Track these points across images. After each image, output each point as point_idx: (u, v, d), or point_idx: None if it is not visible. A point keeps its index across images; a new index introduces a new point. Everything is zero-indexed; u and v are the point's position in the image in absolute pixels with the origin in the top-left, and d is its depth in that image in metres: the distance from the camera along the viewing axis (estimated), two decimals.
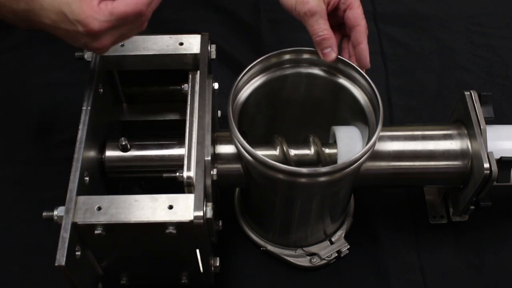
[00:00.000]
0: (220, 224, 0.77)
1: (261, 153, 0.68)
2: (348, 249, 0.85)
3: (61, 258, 0.60)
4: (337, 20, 0.77)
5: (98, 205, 0.65)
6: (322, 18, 0.73)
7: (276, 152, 0.75)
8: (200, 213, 0.64)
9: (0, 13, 0.64)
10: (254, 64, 0.76)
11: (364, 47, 0.75)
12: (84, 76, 0.75)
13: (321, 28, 0.73)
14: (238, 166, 0.75)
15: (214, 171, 0.72)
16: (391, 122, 1.01)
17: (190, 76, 0.77)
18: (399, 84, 1.06)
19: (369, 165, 0.77)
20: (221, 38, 1.08)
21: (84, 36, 0.62)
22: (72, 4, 0.60)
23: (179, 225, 0.64)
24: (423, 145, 0.78)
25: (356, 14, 0.75)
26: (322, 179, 0.68)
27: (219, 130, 0.79)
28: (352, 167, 0.69)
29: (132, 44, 0.77)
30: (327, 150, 0.77)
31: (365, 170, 0.77)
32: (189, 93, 0.75)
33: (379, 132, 0.70)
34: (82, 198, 0.65)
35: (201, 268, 0.74)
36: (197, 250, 0.71)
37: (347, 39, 0.78)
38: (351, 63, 0.75)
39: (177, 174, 0.69)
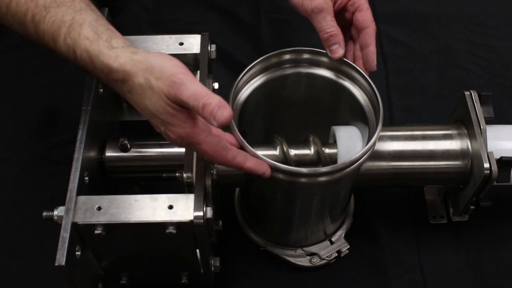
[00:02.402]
0: (220, 224, 0.77)
1: (261, 153, 0.68)
2: (348, 249, 0.85)
3: (61, 258, 0.60)
4: (344, 21, 0.77)
5: (98, 205, 0.65)
6: (329, 15, 0.73)
7: (276, 152, 0.75)
8: (200, 213, 0.64)
9: (95, 74, 0.63)
10: (254, 64, 0.76)
11: (372, 50, 0.75)
12: (84, 76, 0.75)
13: (329, 24, 0.73)
14: None
15: (214, 171, 0.72)
16: (391, 122, 1.01)
17: None
18: (399, 84, 1.06)
19: (369, 165, 0.77)
20: (221, 38, 1.08)
21: (162, 132, 0.62)
22: (163, 114, 0.59)
23: (179, 225, 0.64)
24: (423, 145, 0.78)
25: (365, 16, 0.75)
26: (322, 179, 0.69)
27: None
28: (352, 167, 0.69)
29: (132, 44, 0.77)
30: (327, 150, 0.76)
31: (365, 170, 0.77)
32: None
33: (379, 132, 0.70)
34: (82, 198, 0.65)
35: (201, 268, 0.74)
36: (197, 250, 0.71)
37: (352, 42, 0.78)
38: (351, 63, 0.75)
39: (177, 174, 0.69)
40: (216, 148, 0.62)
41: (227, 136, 0.69)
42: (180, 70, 0.59)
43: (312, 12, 0.73)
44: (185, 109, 0.59)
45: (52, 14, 0.63)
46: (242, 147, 0.69)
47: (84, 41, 0.61)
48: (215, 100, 0.56)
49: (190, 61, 0.78)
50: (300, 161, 0.76)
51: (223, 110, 0.56)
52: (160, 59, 0.59)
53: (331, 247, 0.85)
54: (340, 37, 0.74)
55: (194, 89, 0.57)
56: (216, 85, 0.81)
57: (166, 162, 0.76)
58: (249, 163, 0.65)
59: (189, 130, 0.60)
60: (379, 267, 0.85)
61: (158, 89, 0.58)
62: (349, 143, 0.76)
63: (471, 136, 0.77)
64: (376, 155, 0.77)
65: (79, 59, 0.62)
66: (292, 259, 0.85)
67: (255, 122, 0.83)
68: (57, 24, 0.62)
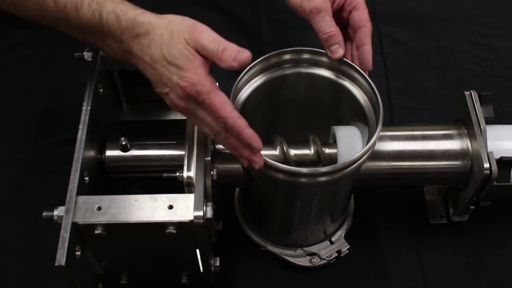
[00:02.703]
0: (220, 224, 0.77)
1: (261, 153, 0.68)
2: (348, 249, 0.85)
3: (61, 258, 0.60)
4: (342, 21, 0.77)
5: (98, 205, 0.65)
6: (327, 15, 0.73)
7: (276, 152, 0.75)
8: (200, 213, 0.64)
9: (117, 35, 0.66)
10: (254, 64, 0.76)
11: (367, 49, 0.75)
12: (84, 76, 0.75)
13: (328, 25, 0.73)
14: (238, 166, 0.75)
15: (214, 171, 0.72)
16: (391, 122, 1.01)
17: None
18: (399, 84, 1.06)
19: (369, 165, 0.77)
20: None
21: (172, 86, 0.63)
22: (179, 58, 0.62)
23: (179, 225, 0.64)
24: (423, 145, 0.78)
25: (362, 16, 0.75)
26: (322, 179, 0.69)
27: None
28: (352, 167, 0.69)
29: None
30: (327, 150, 0.76)
31: (365, 170, 0.77)
32: None
33: (379, 132, 0.70)
34: (82, 198, 0.65)
35: (201, 268, 0.74)
36: (197, 250, 0.71)
37: (350, 42, 0.78)
38: (351, 63, 0.75)
39: (177, 174, 0.69)
40: (224, 101, 0.63)
41: None
42: (200, 23, 0.64)
43: (311, 13, 0.73)
44: (200, 56, 0.63)
45: None
46: None
47: (110, 4, 0.65)
48: (234, 45, 0.62)
49: None
50: (300, 161, 0.76)
51: (242, 53, 0.61)
52: (180, 17, 0.66)
53: (331, 247, 0.85)
54: (339, 37, 0.74)
55: (215, 35, 0.63)
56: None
57: (166, 162, 0.76)
58: (249, 130, 0.65)
59: (202, 77, 0.62)
60: (379, 267, 0.85)
61: (179, 34, 0.63)
62: (349, 143, 0.76)
63: (471, 136, 0.77)
64: (376, 155, 0.77)
65: (104, 21, 0.65)
66: (292, 259, 0.85)
67: (255, 122, 0.82)
68: None
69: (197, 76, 0.62)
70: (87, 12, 0.65)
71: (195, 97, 0.63)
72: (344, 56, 0.76)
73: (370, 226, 0.89)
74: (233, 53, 0.61)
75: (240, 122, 0.63)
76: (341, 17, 0.77)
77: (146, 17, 0.65)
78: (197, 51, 0.63)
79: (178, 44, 0.62)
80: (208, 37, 0.62)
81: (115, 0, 0.65)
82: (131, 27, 0.64)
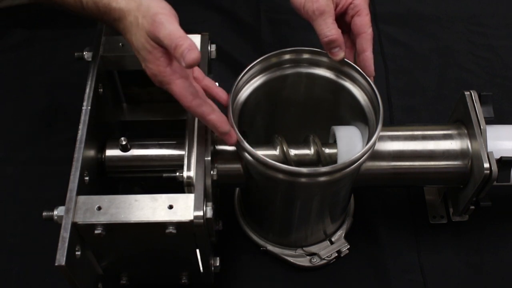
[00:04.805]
0: (220, 224, 0.77)
1: (261, 153, 0.68)
2: (348, 249, 0.85)
3: (61, 258, 0.60)
4: (345, 25, 0.77)
5: (98, 205, 0.65)
6: (330, 18, 0.73)
7: (276, 152, 0.75)
8: (200, 213, 0.64)
9: (100, 18, 0.69)
10: (254, 64, 0.76)
11: (368, 55, 0.74)
12: (84, 76, 0.75)
13: (329, 27, 0.73)
14: (238, 166, 0.75)
15: (214, 171, 0.72)
16: (391, 122, 1.01)
17: None
18: (399, 84, 1.06)
19: (369, 165, 0.77)
20: (221, 38, 1.08)
21: (141, 62, 0.67)
22: (142, 50, 0.65)
23: (179, 225, 0.64)
24: (423, 145, 0.78)
25: (363, 21, 0.74)
26: (322, 179, 0.69)
27: None
28: (352, 167, 0.69)
29: None
30: (327, 150, 0.77)
31: (365, 170, 0.77)
32: None
33: (379, 132, 0.70)
34: (82, 198, 0.65)
35: (201, 268, 0.74)
36: (197, 250, 0.71)
37: (352, 48, 0.78)
38: (351, 63, 0.75)
39: (177, 174, 0.69)
40: (184, 91, 0.65)
41: (218, 90, 0.72)
42: (164, 11, 0.64)
43: (313, 14, 0.73)
44: (161, 47, 0.64)
45: None
46: (241, 147, 0.69)
47: None
48: (187, 43, 0.60)
49: None
50: (300, 161, 0.76)
51: (191, 52, 0.60)
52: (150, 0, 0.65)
53: (331, 247, 0.85)
54: (340, 40, 0.73)
55: (171, 29, 0.62)
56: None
57: (166, 162, 0.76)
58: (213, 116, 0.67)
59: (162, 68, 0.65)
60: (379, 267, 0.85)
61: (142, 26, 0.64)
62: (349, 143, 0.76)
63: (471, 136, 0.77)
64: (376, 155, 0.77)
65: (86, 7, 0.68)
66: (292, 259, 0.85)
67: (255, 122, 0.83)
68: None
69: (157, 68, 0.65)
70: None
71: (160, 85, 0.66)
72: (345, 57, 0.76)
73: (370, 226, 0.89)
74: (183, 51, 0.60)
75: (202, 110, 0.66)
76: (344, 21, 0.76)
77: (117, 3, 0.66)
78: (158, 44, 0.64)
79: (140, 36, 0.64)
80: (165, 30, 0.62)
81: None
82: (108, 12, 0.67)
